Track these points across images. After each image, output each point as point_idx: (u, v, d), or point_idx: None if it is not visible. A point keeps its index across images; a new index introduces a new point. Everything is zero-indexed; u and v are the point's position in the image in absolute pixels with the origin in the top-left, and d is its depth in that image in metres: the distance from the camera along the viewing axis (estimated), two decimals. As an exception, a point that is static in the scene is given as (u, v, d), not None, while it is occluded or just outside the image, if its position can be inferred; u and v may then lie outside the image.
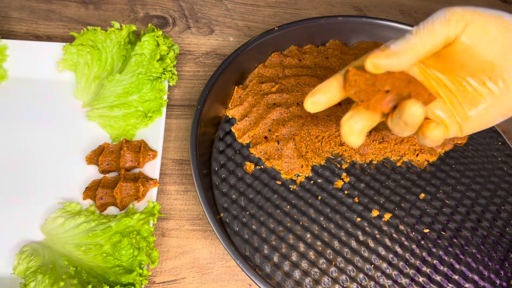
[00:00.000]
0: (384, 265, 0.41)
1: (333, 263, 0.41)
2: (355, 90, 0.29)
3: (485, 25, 0.28)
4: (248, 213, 0.43)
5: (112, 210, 0.43)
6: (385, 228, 0.43)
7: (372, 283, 0.40)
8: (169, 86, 0.52)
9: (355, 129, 0.29)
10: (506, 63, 0.29)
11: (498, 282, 0.41)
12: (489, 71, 0.29)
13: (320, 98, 0.30)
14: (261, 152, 0.47)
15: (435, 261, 0.42)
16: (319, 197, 0.45)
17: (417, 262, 0.42)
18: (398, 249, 0.42)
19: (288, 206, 0.44)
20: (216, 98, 0.49)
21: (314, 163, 0.47)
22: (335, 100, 0.31)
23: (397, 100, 0.29)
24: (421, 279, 0.41)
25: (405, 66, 0.28)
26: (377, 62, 0.28)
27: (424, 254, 0.42)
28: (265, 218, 0.43)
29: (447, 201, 0.46)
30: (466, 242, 0.43)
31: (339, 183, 0.46)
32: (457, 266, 0.42)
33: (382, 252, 0.42)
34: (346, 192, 0.45)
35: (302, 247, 0.42)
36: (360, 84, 0.28)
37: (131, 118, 0.47)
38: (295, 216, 0.44)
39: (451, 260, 0.42)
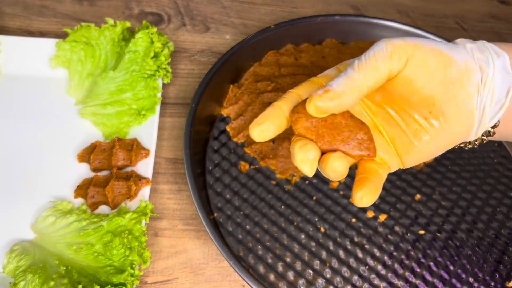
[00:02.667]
0: (379, 266, 0.41)
1: (328, 264, 0.41)
2: (297, 132, 0.28)
3: (425, 60, 0.27)
4: (242, 213, 0.43)
5: (103, 209, 0.43)
6: (380, 229, 0.43)
7: (366, 284, 0.40)
8: (163, 84, 0.51)
9: (308, 158, 0.27)
10: (446, 98, 0.28)
11: (493, 284, 0.41)
12: (430, 106, 0.28)
13: (270, 127, 0.28)
14: (256, 151, 0.47)
15: (430, 263, 0.41)
16: (314, 198, 0.44)
17: (412, 264, 0.41)
18: (393, 251, 0.42)
19: (282, 206, 0.44)
20: (211, 97, 0.48)
21: (309, 163, 0.47)
22: (284, 127, 0.29)
23: (337, 141, 0.28)
24: (416, 281, 0.40)
25: (350, 106, 0.27)
26: (320, 105, 0.26)
27: (419, 255, 0.42)
28: (259, 218, 0.43)
29: (442, 203, 0.45)
30: (461, 243, 0.43)
31: (334, 184, 0.46)
32: (452, 268, 0.41)
33: (377, 253, 0.42)
34: (341, 192, 0.45)
35: (296, 247, 0.41)
36: (300, 130, 0.27)
37: (125, 116, 0.47)
38: (290, 217, 0.43)
39: (446, 261, 0.42)
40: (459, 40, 0.30)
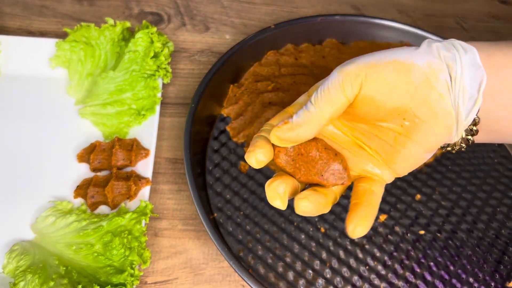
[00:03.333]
0: (379, 266, 0.41)
1: (328, 264, 0.41)
2: (278, 165, 0.30)
3: (382, 75, 0.27)
4: (242, 213, 0.43)
5: (103, 209, 0.43)
6: (380, 229, 0.43)
7: (366, 284, 0.40)
8: (163, 84, 0.51)
9: (278, 193, 0.29)
10: (416, 103, 0.27)
11: (493, 284, 0.41)
12: (402, 114, 0.28)
13: (267, 155, 0.29)
14: (255, 151, 0.46)
15: (430, 263, 0.41)
16: (314, 198, 0.44)
17: (412, 264, 0.41)
18: (393, 251, 0.42)
19: (282, 206, 0.44)
20: (211, 97, 0.48)
21: (309, 163, 0.47)
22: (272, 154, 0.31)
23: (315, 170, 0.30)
24: (416, 281, 0.40)
25: (310, 137, 0.28)
26: (280, 135, 0.28)
27: (419, 255, 0.42)
28: (259, 219, 0.43)
29: (442, 203, 0.45)
30: (462, 243, 0.43)
31: (334, 184, 0.45)
32: (452, 268, 0.41)
33: (377, 253, 0.42)
34: (341, 192, 0.45)
35: (296, 248, 0.41)
36: (281, 163, 0.30)
37: (124, 116, 0.47)
38: (290, 217, 0.43)
39: (447, 262, 0.42)
40: (426, 41, 0.29)
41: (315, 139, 0.30)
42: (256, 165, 0.29)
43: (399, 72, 0.27)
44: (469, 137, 0.30)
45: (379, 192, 0.30)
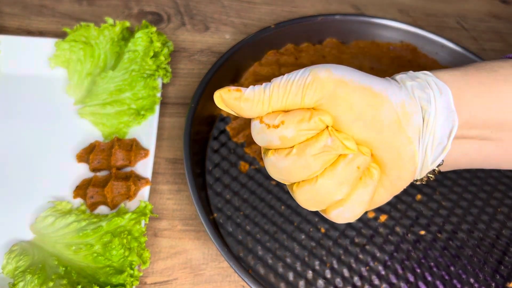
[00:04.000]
0: (380, 267, 0.41)
1: (328, 265, 0.41)
2: None
3: (349, 98, 0.24)
4: (242, 213, 0.43)
5: (103, 209, 0.42)
6: (380, 229, 0.43)
7: (367, 285, 0.40)
8: (162, 83, 0.51)
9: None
10: (383, 144, 0.25)
11: (493, 284, 0.41)
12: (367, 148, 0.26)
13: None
14: (256, 151, 0.46)
15: (430, 263, 0.41)
16: (314, 198, 0.44)
17: (413, 264, 0.41)
18: (394, 251, 0.42)
19: (282, 207, 0.44)
20: (210, 96, 0.47)
21: (309, 163, 0.47)
22: None
23: None
24: (416, 281, 0.40)
25: (250, 116, 0.26)
26: (225, 98, 0.26)
27: (419, 256, 0.42)
28: (259, 219, 0.43)
29: (443, 203, 0.45)
30: (462, 244, 0.43)
31: (334, 184, 0.45)
32: (453, 268, 0.41)
33: (378, 254, 0.42)
34: (341, 192, 0.45)
35: (296, 248, 0.41)
36: None
37: (124, 116, 0.47)
38: (290, 217, 0.43)
39: (447, 262, 0.42)
40: (398, 77, 0.27)
41: None
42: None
43: (369, 102, 0.25)
44: (431, 175, 0.28)
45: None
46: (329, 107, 0.25)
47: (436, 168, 0.28)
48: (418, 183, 0.29)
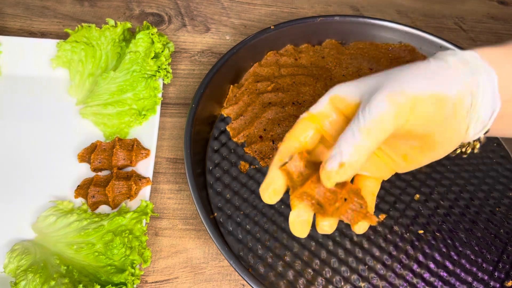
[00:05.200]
0: (378, 266, 0.41)
1: (327, 264, 0.41)
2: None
3: (426, 110, 0.27)
4: (242, 212, 0.43)
5: (104, 208, 0.43)
6: (379, 229, 0.43)
7: (366, 284, 0.40)
8: (163, 84, 0.51)
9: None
10: (439, 130, 0.28)
11: (492, 283, 0.41)
12: (423, 137, 0.29)
13: (277, 192, 0.30)
14: (256, 151, 0.47)
15: (429, 262, 0.42)
16: (314, 197, 0.45)
17: (412, 263, 0.41)
18: (393, 250, 0.42)
19: (282, 206, 0.44)
20: (211, 97, 0.48)
21: (309, 163, 0.47)
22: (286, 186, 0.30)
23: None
24: (415, 280, 0.41)
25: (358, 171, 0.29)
26: (338, 179, 0.26)
27: (418, 255, 0.42)
28: (259, 218, 0.43)
29: (442, 202, 0.45)
30: (461, 243, 0.43)
31: (334, 183, 0.46)
32: (451, 267, 0.42)
33: (376, 253, 0.42)
34: (340, 192, 0.45)
35: (296, 247, 0.42)
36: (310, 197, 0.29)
37: (125, 116, 0.47)
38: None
39: (446, 261, 0.42)
40: (449, 55, 0.29)
41: None
42: (272, 201, 0.30)
43: (437, 106, 0.27)
44: (476, 143, 0.32)
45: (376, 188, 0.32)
46: (410, 123, 0.27)
47: (482, 136, 0.30)
48: (468, 152, 0.33)
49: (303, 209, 0.29)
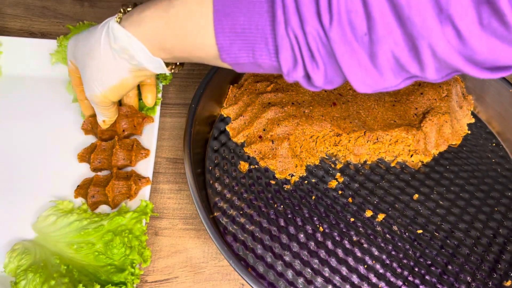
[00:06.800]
0: (377, 265, 0.41)
1: (326, 264, 0.41)
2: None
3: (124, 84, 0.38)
4: (241, 212, 0.43)
5: (104, 208, 0.43)
6: (378, 228, 0.43)
7: (365, 283, 0.40)
8: (163, 84, 0.52)
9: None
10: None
11: (490, 283, 0.41)
12: None
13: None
14: (255, 151, 0.47)
15: (428, 262, 0.42)
16: (313, 197, 0.45)
17: (411, 263, 0.42)
18: (392, 250, 0.42)
19: (282, 206, 0.44)
20: (211, 97, 0.48)
21: (308, 163, 0.47)
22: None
23: None
24: (414, 280, 0.41)
25: None
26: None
27: (417, 254, 0.42)
28: (259, 218, 0.43)
29: (440, 202, 0.46)
30: (459, 243, 0.43)
31: (333, 183, 0.46)
32: (450, 267, 0.42)
33: (376, 252, 0.42)
34: (340, 192, 0.45)
35: (295, 247, 0.42)
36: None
37: (125, 116, 0.47)
38: (289, 216, 0.43)
39: (444, 261, 0.42)
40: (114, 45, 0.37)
41: None
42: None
43: (124, 86, 0.39)
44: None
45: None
46: None
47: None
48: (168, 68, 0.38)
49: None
